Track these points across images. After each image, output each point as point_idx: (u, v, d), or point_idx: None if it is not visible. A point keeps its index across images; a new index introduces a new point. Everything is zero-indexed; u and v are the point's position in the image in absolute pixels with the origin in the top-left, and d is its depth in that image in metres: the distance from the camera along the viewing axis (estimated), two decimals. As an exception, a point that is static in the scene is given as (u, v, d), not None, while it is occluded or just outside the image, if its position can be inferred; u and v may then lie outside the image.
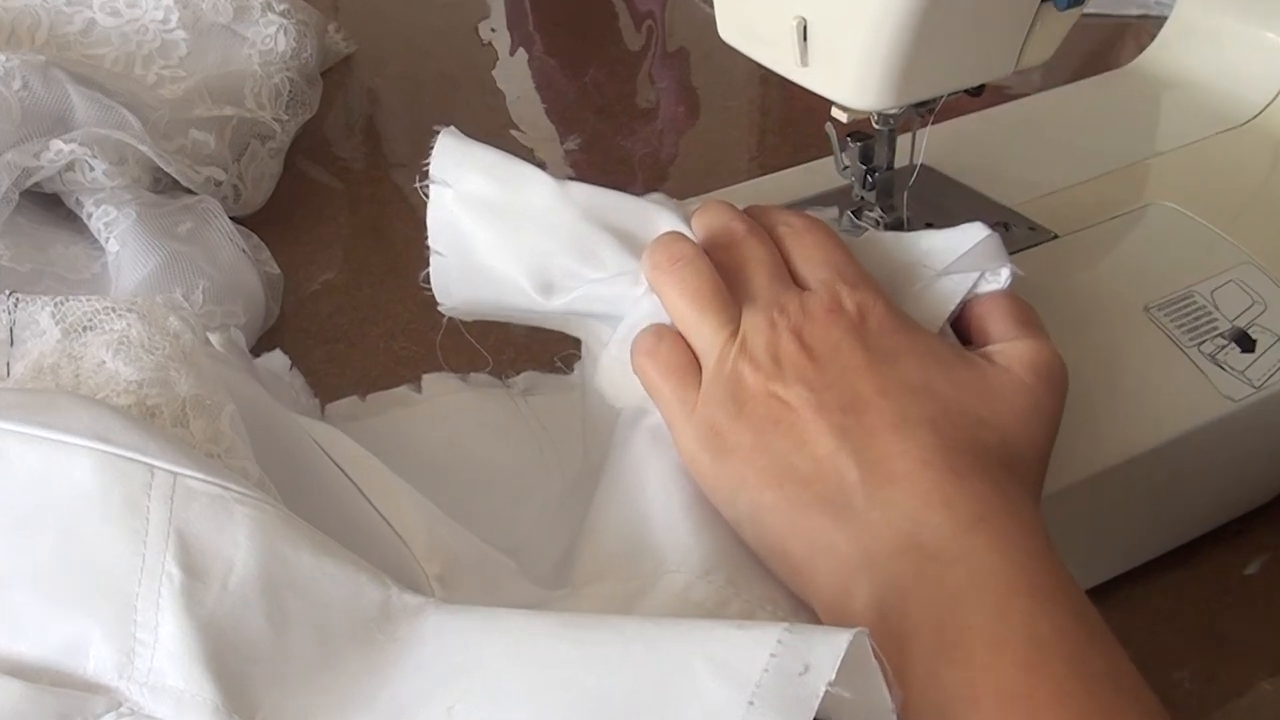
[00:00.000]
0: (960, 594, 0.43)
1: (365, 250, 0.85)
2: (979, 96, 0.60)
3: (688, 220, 0.56)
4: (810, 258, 0.54)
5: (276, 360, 0.70)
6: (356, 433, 0.57)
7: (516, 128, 0.99)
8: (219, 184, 0.84)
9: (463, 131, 0.57)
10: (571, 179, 0.56)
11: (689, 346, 0.52)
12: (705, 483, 0.50)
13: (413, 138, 0.98)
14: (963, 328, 0.54)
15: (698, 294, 0.51)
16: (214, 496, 0.42)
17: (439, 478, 0.60)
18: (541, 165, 0.56)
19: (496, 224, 0.56)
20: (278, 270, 0.80)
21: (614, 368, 0.55)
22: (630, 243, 0.55)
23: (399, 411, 0.68)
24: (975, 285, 0.54)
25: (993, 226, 0.55)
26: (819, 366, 0.49)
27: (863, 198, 0.64)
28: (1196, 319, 0.60)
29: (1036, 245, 0.64)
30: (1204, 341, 0.59)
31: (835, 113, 0.59)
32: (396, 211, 0.89)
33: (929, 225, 0.64)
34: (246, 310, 0.75)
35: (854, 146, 0.63)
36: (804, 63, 0.56)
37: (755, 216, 0.56)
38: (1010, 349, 0.51)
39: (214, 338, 0.60)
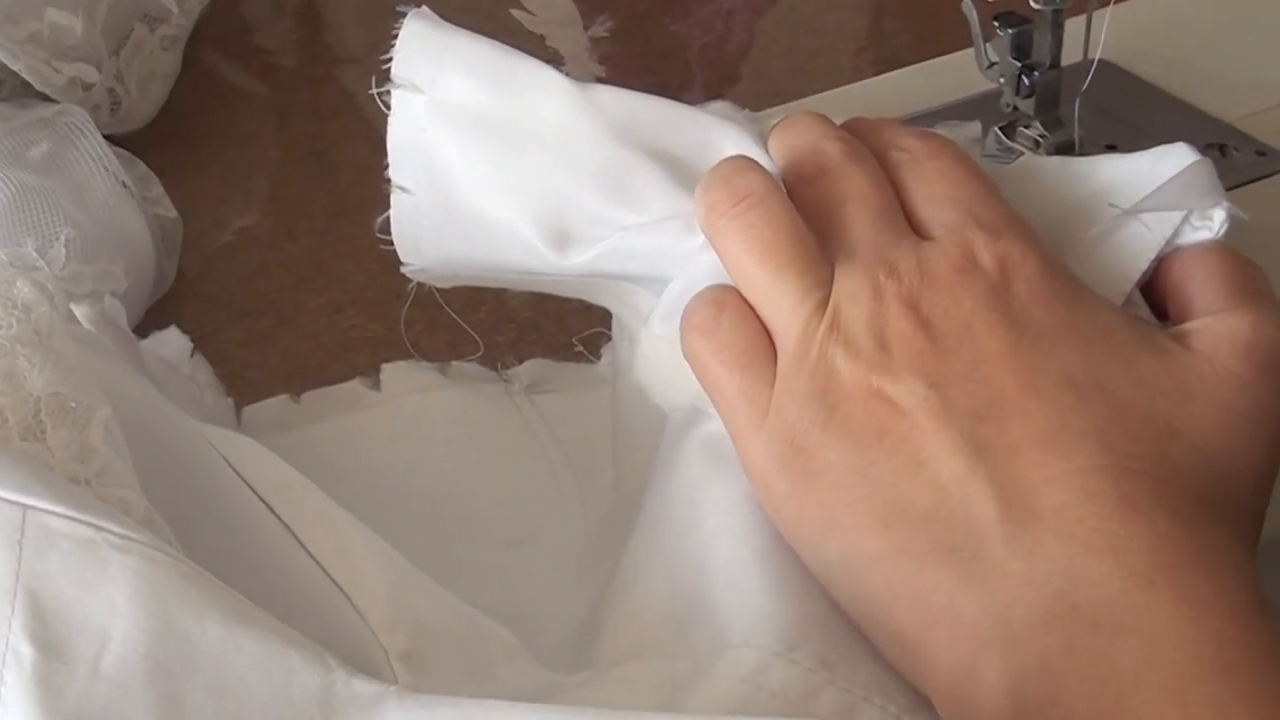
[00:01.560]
0: (1130, 677, 0.42)
1: (300, 184, 0.86)
2: None
3: (764, 141, 0.55)
4: (934, 195, 0.53)
5: (172, 342, 0.70)
6: (288, 447, 0.57)
7: (521, 6, 0.99)
8: (89, 87, 0.84)
9: (440, 13, 0.57)
10: (600, 81, 0.56)
11: (761, 321, 0.51)
12: (782, 519, 0.49)
13: (368, 20, 0.98)
14: (1155, 294, 0.54)
15: (771, 248, 0.51)
16: (81, 541, 0.42)
17: (405, 513, 0.60)
18: (556, 62, 0.56)
19: (489, 146, 0.56)
20: (174, 213, 0.81)
21: (659, 352, 0.55)
22: (682, 173, 0.54)
23: (348, 417, 0.69)
24: (1177, 233, 0.53)
25: (1204, 149, 0.54)
26: (943, 351, 0.48)
27: (1016, 107, 0.64)
28: None
29: (1269, 176, 0.64)
30: None
31: None
32: (345, 127, 0.89)
33: (1111, 148, 0.64)
34: (129, 271, 0.75)
35: (1004, 34, 0.62)
36: None
37: (860, 135, 0.56)
38: (1218, 326, 0.50)
39: (81, 311, 0.60)
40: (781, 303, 0.51)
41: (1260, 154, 0.65)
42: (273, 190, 0.86)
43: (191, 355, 0.70)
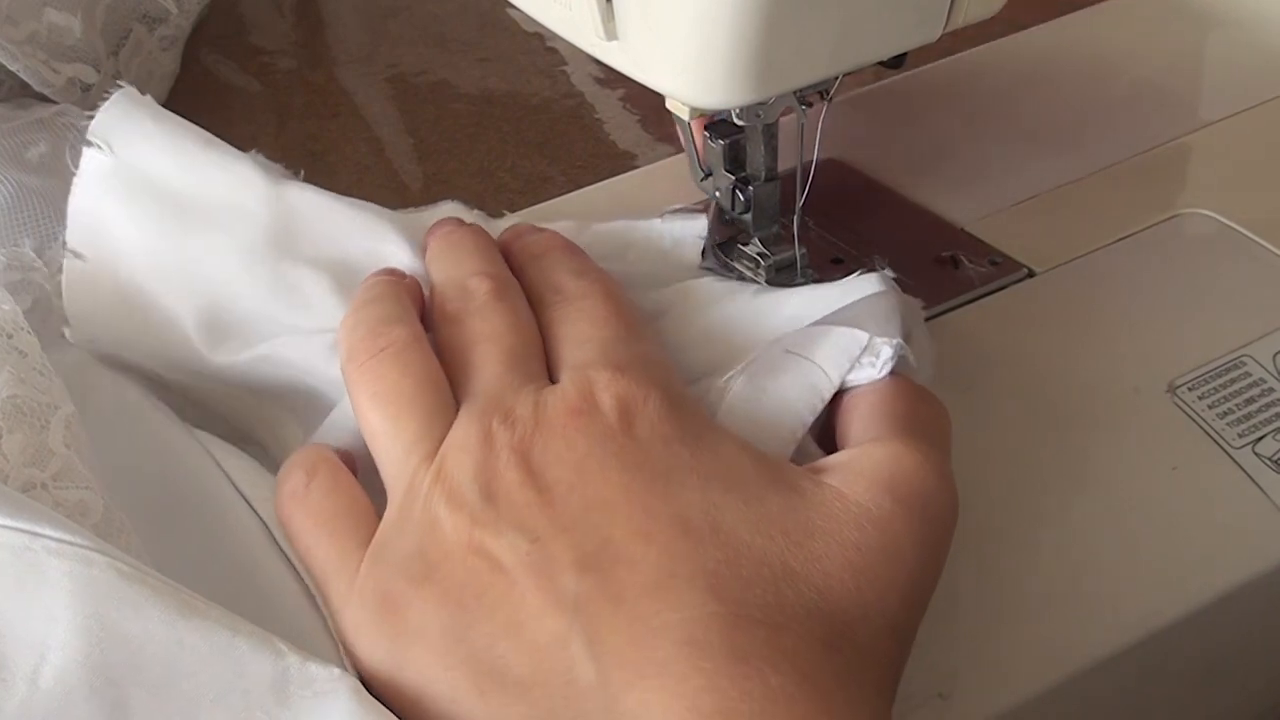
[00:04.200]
0: None
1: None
2: (899, 67, 0.55)
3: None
4: (574, 335, 0.51)
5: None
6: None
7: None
8: (88, 88, 0.83)
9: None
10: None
11: (356, 488, 0.49)
12: (380, 689, 0.45)
13: (368, 21, 0.97)
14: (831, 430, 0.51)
15: (396, 394, 0.49)
16: (17, 549, 0.41)
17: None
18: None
19: (164, 224, 0.54)
20: (170, 212, 0.79)
21: None
22: (351, 282, 0.53)
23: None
24: (846, 374, 0.51)
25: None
26: (549, 502, 0.45)
27: (732, 221, 0.60)
28: (1251, 401, 0.57)
29: (1001, 289, 0.61)
30: (1263, 437, 0.56)
31: (672, 106, 0.56)
32: (345, 129, 0.88)
33: (836, 263, 0.61)
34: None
35: (717, 145, 0.58)
36: (609, 35, 0.51)
37: (523, 261, 0.55)
38: (860, 459, 0.47)
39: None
40: (392, 452, 0.48)
41: (994, 263, 0.62)
42: (271, 191, 0.85)
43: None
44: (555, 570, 0.43)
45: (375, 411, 0.49)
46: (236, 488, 0.52)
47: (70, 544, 0.42)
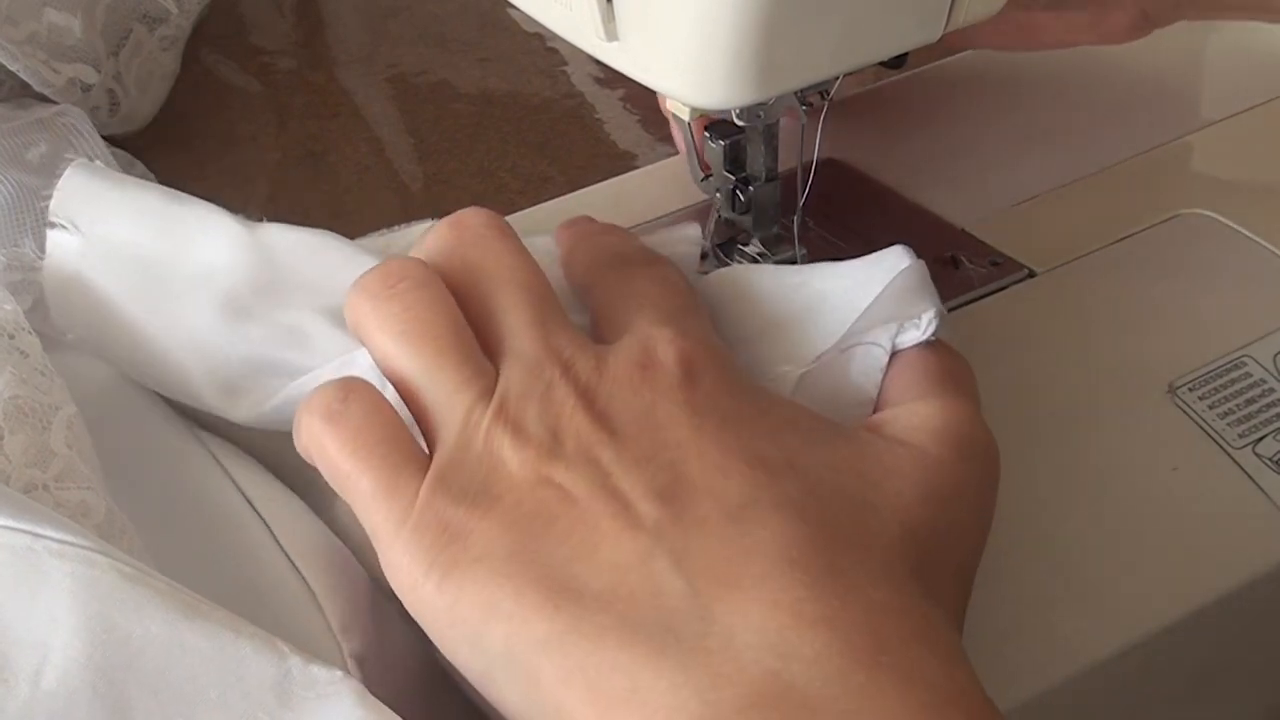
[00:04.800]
0: None
1: (299, 185, 0.85)
2: (899, 67, 0.56)
3: None
4: (634, 295, 0.51)
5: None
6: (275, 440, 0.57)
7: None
8: (88, 88, 0.83)
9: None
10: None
11: (394, 412, 0.47)
12: (432, 619, 0.45)
13: (368, 21, 0.96)
14: None
15: (430, 329, 0.47)
16: (19, 550, 0.41)
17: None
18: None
19: (151, 291, 0.53)
20: (171, 213, 0.79)
21: None
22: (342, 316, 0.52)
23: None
24: (894, 340, 0.51)
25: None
26: (619, 442, 0.45)
27: (730, 222, 0.60)
28: (1251, 402, 0.57)
29: (1002, 290, 0.61)
30: (1263, 437, 0.56)
31: (672, 106, 0.56)
32: (346, 129, 0.88)
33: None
34: (123, 270, 0.74)
35: (717, 146, 0.59)
36: (609, 35, 0.51)
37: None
38: (908, 416, 0.48)
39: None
40: (436, 391, 0.47)
41: (994, 264, 0.62)
42: (272, 191, 0.85)
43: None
44: (630, 499, 0.43)
45: (405, 349, 0.47)
46: (239, 488, 0.52)
47: (72, 545, 0.41)
